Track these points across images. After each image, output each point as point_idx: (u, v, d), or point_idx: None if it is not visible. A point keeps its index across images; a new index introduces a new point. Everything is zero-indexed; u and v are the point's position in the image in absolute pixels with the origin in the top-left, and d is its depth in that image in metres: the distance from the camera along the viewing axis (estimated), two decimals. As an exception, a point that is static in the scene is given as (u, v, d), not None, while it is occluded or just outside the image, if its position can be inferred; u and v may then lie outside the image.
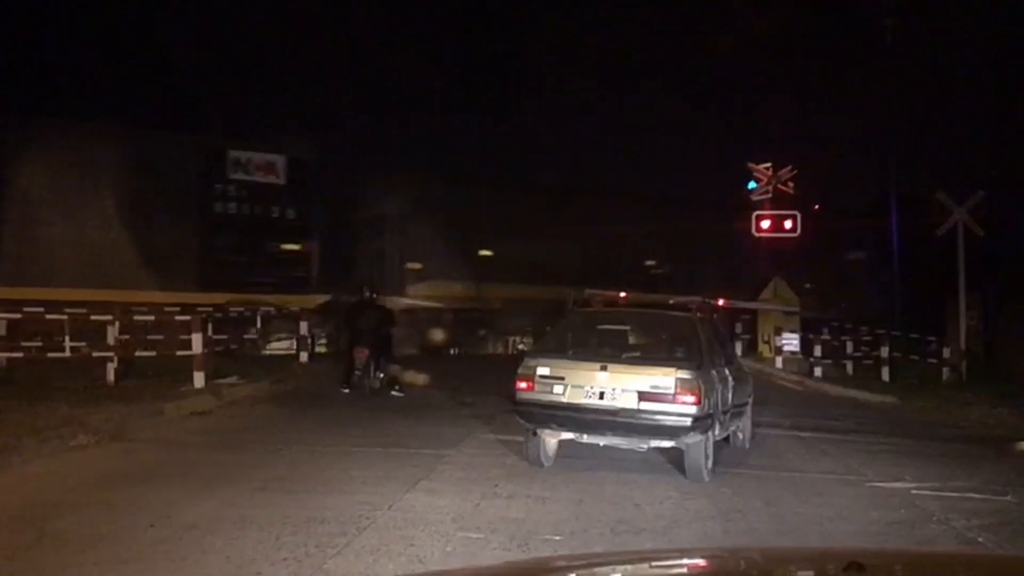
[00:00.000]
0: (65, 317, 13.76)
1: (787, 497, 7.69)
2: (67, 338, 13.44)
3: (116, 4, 29.33)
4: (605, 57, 32.50)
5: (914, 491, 7.96)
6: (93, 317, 13.68)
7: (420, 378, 14.48)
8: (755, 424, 10.35)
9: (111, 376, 12.59)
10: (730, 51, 26.97)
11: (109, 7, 28.32)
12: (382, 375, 13.21)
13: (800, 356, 19.97)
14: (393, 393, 13.06)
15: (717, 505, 7.25)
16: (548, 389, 8.06)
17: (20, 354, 13.32)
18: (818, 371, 18.90)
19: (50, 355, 13.35)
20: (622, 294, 10.48)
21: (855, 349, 20.27)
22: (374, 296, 13.61)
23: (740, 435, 9.74)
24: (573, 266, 30.30)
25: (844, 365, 19.88)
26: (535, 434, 8.29)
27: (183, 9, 31.45)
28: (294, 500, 6.75)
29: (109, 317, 13.17)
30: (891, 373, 18.48)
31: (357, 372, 12.95)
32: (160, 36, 28.96)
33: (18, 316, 13.77)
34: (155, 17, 28.89)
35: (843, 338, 20.50)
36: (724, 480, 8.14)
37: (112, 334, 12.96)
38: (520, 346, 24.32)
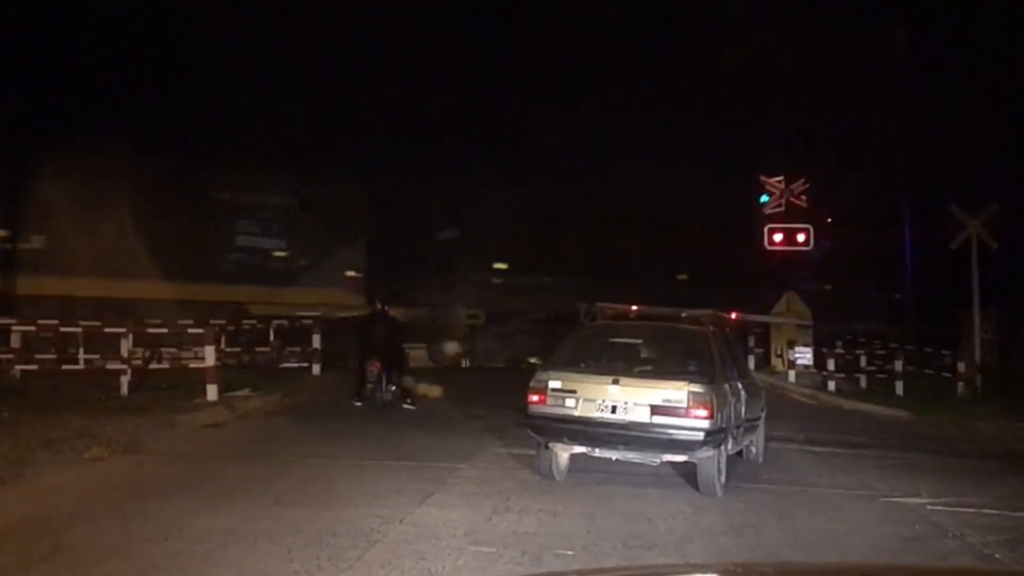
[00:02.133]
0: (79, 330, 13.84)
1: (800, 512, 7.65)
2: (81, 350, 13.51)
3: None
4: (611, 70, 31.94)
5: (929, 506, 7.90)
6: (107, 329, 13.75)
7: (433, 391, 14.48)
8: (768, 438, 10.29)
9: (124, 388, 12.65)
10: (740, 64, 26.95)
11: None
12: (394, 388, 13.20)
13: (813, 370, 19.86)
14: (405, 406, 13.05)
15: (730, 520, 7.21)
16: (560, 402, 8.06)
17: (35, 366, 13.40)
18: (831, 385, 18.78)
19: (64, 367, 13.42)
20: (633, 307, 10.46)
21: (869, 363, 20.14)
22: (386, 308, 13.60)
23: (753, 449, 9.69)
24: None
25: (858, 379, 19.77)
26: (547, 448, 8.27)
27: None
28: (306, 513, 6.76)
29: (123, 330, 13.24)
30: (905, 387, 18.35)
31: (369, 385, 12.92)
32: None
33: (32, 328, 13.86)
34: None
35: (857, 352, 20.39)
36: (737, 495, 8.11)
37: (126, 346, 13.03)
38: None
